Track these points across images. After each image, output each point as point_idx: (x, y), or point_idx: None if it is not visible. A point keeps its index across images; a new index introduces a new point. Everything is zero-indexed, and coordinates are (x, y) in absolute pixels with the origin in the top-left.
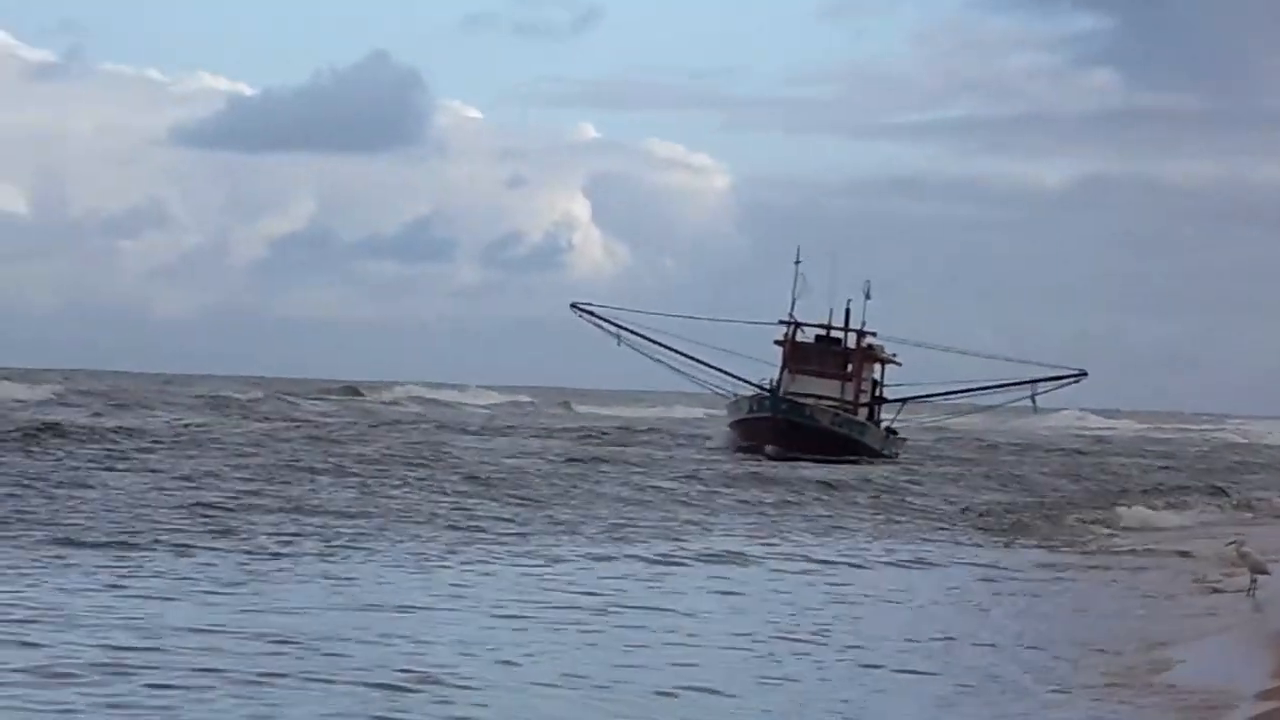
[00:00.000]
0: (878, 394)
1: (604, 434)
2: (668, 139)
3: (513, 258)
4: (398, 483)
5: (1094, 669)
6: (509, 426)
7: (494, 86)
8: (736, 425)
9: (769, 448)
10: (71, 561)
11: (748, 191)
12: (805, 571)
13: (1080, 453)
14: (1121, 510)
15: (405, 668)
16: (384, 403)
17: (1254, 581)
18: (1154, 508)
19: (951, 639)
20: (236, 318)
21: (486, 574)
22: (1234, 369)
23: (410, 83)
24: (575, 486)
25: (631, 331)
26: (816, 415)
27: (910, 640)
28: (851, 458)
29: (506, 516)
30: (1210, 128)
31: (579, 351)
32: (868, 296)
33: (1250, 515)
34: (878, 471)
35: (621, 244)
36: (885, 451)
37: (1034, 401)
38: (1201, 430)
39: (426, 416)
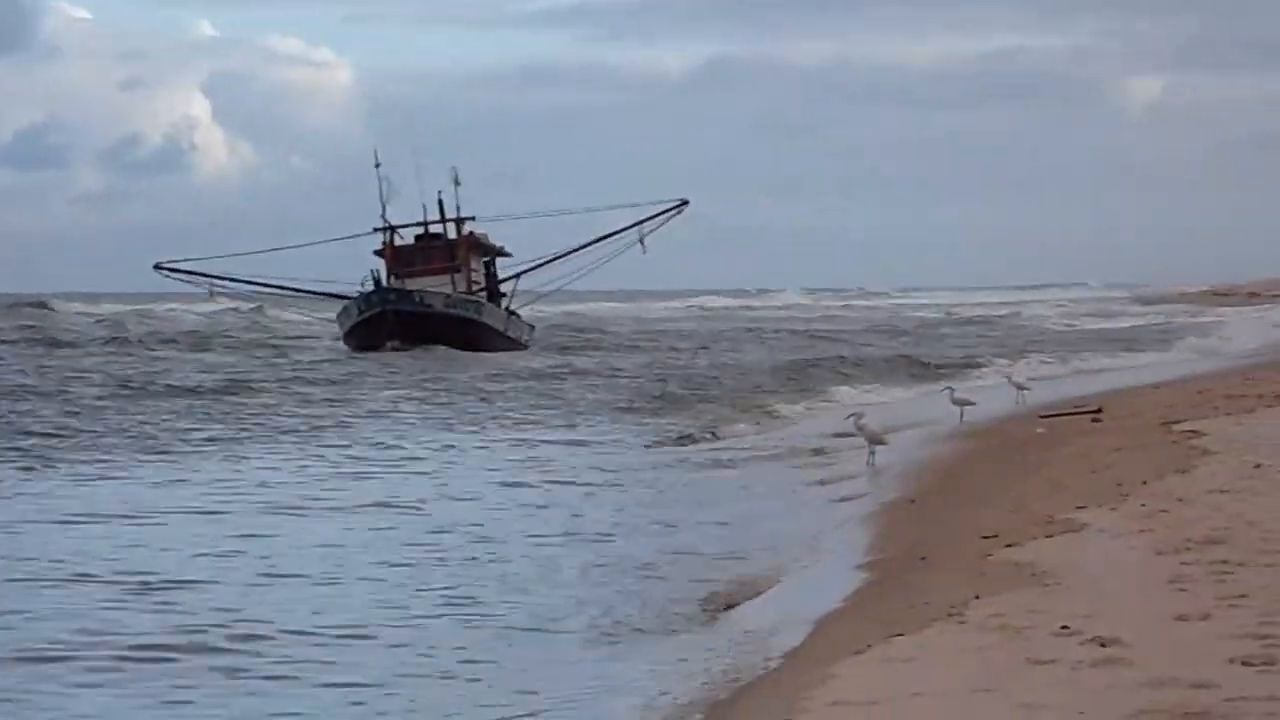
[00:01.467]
0: (493, 286)
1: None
2: (288, 34)
3: (133, 161)
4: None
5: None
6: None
7: None
8: (351, 332)
9: (388, 344)
10: None
11: (372, 86)
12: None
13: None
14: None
15: None
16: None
17: (872, 452)
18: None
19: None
20: None
21: None
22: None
23: None
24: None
25: (223, 278)
26: (428, 300)
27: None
28: (475, 345)
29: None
30: (827, 6)
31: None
32: (456, 184)
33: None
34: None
35: (245, 143)
36: (511, 334)
37: (643, 244)
38: (869, 305)
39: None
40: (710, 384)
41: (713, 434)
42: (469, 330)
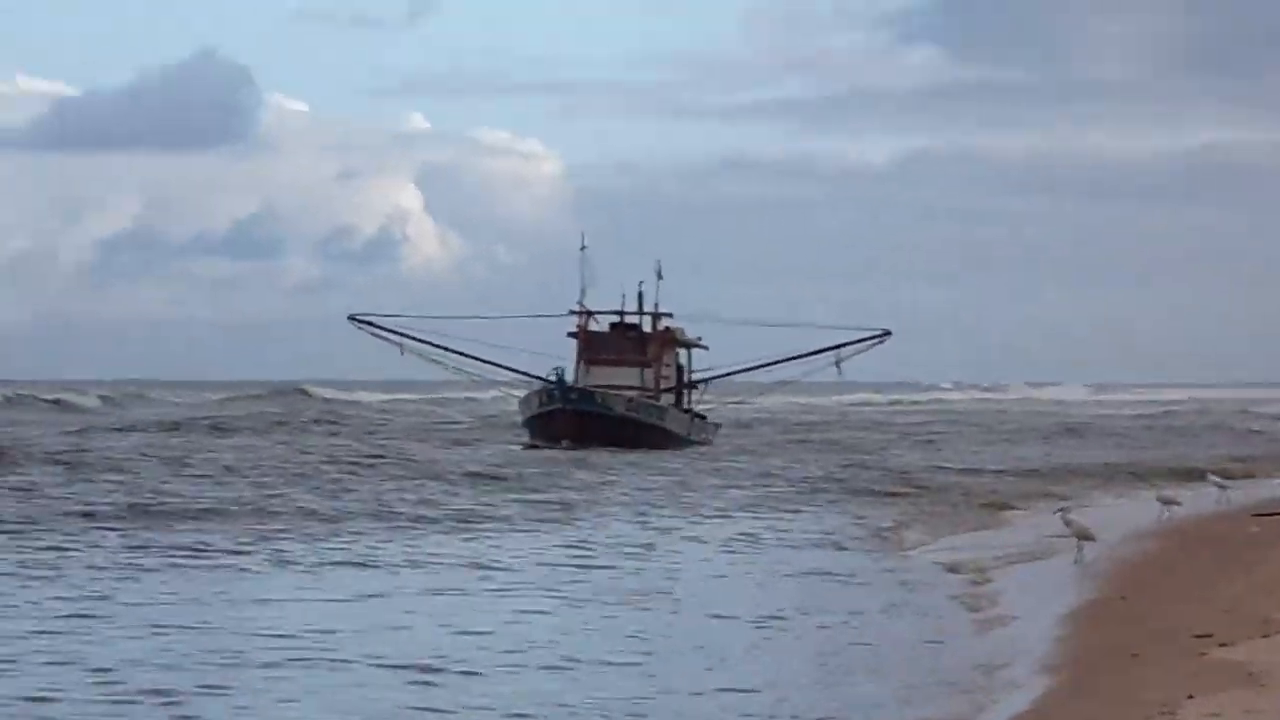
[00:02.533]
0: (684, 379)
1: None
2: (497, 127)
3: (346, 251)
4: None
5: None
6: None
7: (324, 80)
8: (530, 423)
9: (564, 442)
10: None
11: (578, 177)
12: None
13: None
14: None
15: None
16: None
17: (1080, 548)
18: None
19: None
20: (67, 322)
21: None
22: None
23: (238, 79)
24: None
25: (414, 339)
26: (609, 402)
27: None
28: (654, 448)
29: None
30: (1029, 100)
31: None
32: (659, 276)
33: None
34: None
35: (454, 233)
36: (693, 438)
37: (839, 368)
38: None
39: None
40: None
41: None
42: (649, 435)
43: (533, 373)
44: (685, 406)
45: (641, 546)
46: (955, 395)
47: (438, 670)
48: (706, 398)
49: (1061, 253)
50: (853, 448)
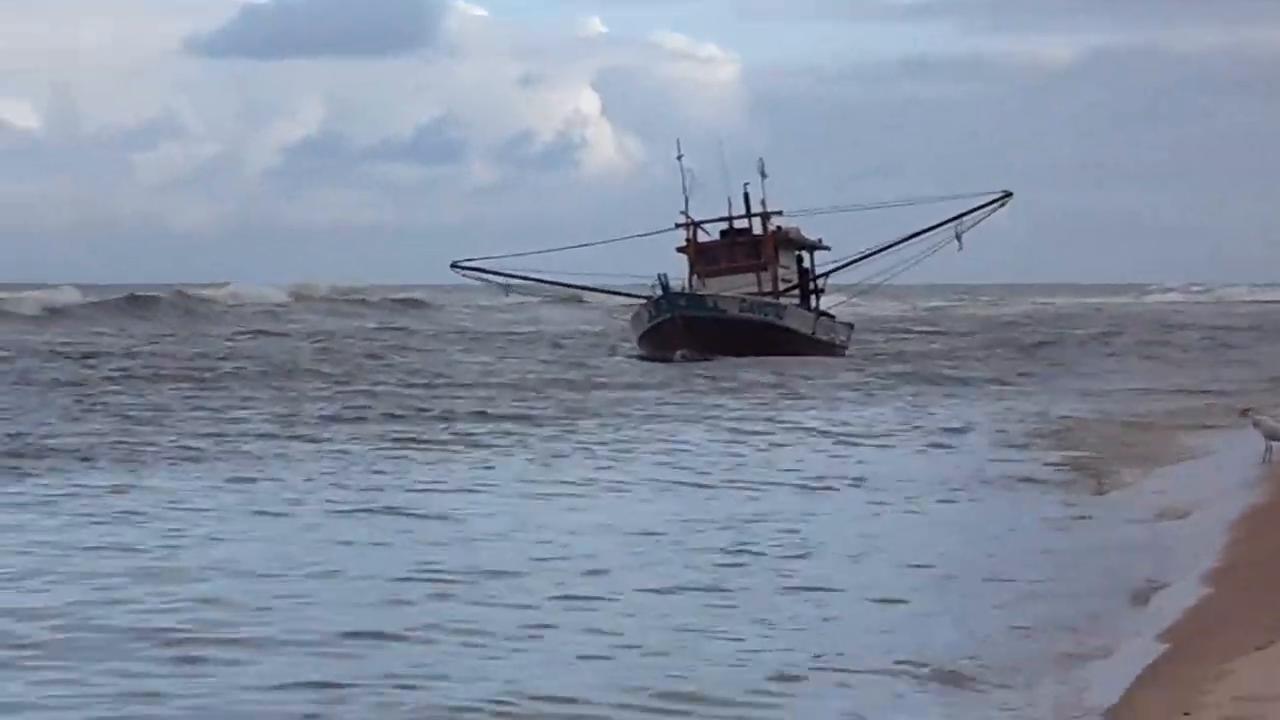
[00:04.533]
0: (806, 283)
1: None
2: (675, 30)
3: (525, 156)
4: None
5: None
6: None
7: None
8: (643, 339)
9: (679, 352)
10: None
11: (756, 80)
12: None
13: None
14: None
15: None
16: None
17: (1268, 449)
18: None
19: None
20: (252, 226)
21: None
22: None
23: None
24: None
25: (518, 276)
26: (721, 304)
27: None
28: (777, 351)
29: None
30: None
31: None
32: (763, 175)
33: None
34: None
35: (632, 138)
36: (820, 337)
37: (959, 241)
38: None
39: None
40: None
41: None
42: (769, 335)
43: (639, 293)
44: (808, 306)
45: None
46: (1173, 296)
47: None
48: (835, 300)
49: (1256, 151)
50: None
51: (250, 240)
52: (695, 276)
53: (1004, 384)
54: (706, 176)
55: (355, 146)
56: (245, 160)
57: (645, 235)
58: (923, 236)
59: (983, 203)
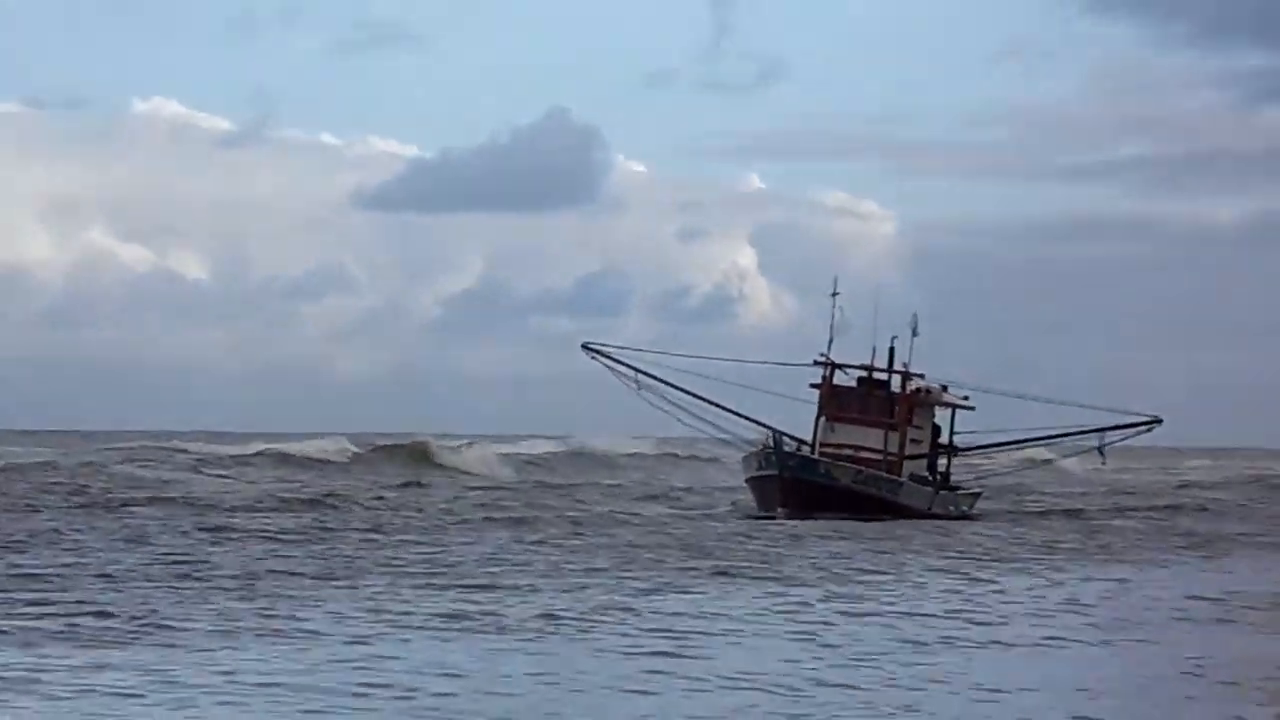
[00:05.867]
0: (937, 444)
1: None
2: (835, 187)
3: (684, 309)
4: None
5: None
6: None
7: (665, 141)
8: (750, 484)
9: (779, 510)
10: None
11: (915, 237)
12: None
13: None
14: None
15: None
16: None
17: None
18: None
19: None
20: (415, 376)
21: None
22: None
23: (587, 139)
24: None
25: (651, 376)
26: (834, 472)
27: None
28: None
29: None
30: None
31: (759, 398)
32: (914, 333)
33: None
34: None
35: (788, 292)
36: (936, 510)
37: (1102, 453)
38: None
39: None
40: None
41: None
42: (879, 509)
43: (766, 422)
44: (935, 474)
45: None
46: None
47: None
48: (969, 463)
49: None
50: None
51: (410, 389)
52: (824, 418)
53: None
54: (858, 323)
55: (515, 298)
56: (407, 311)
57: (782, 365)
58: (1066, 439)
59: (1130, 422)
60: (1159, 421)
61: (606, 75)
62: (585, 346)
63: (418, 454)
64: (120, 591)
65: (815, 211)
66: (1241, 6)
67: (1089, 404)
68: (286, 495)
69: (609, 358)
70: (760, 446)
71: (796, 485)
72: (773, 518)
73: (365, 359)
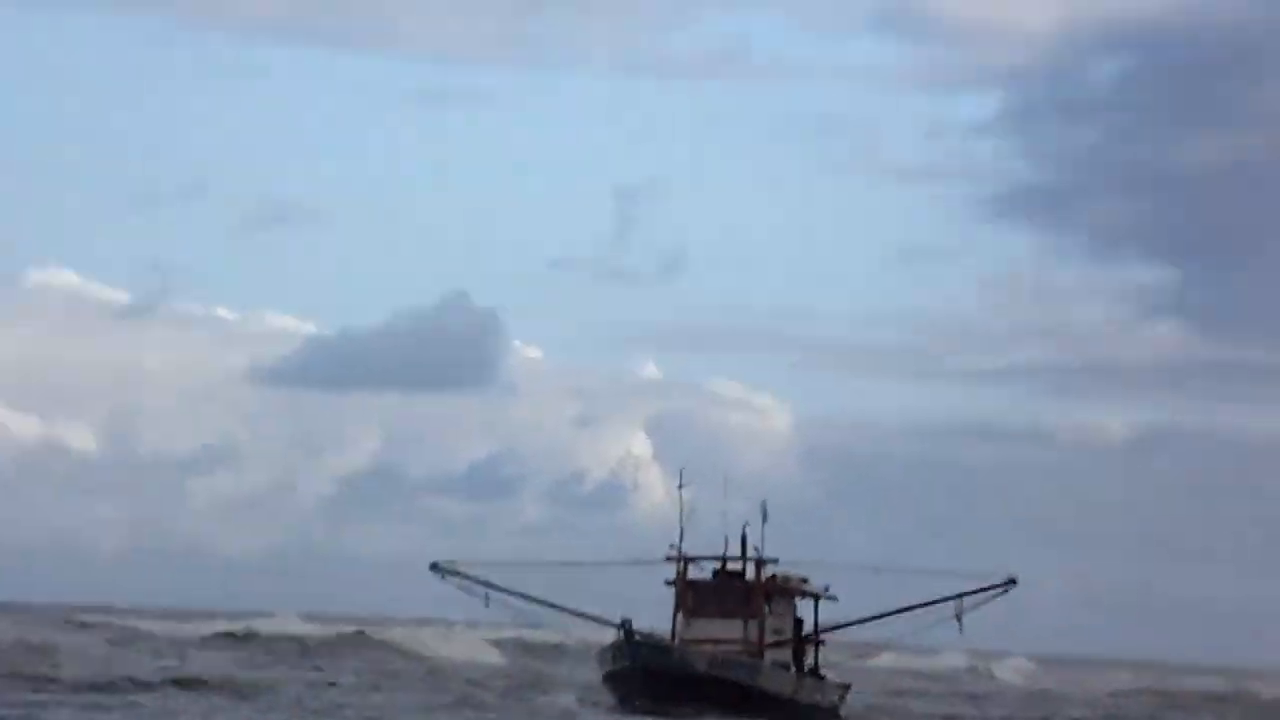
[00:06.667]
0: (800, 637)
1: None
2: (730, 378)
3: (577, 496)
4: None
5: None
6: None
7: (567, 330)
8: (607, 680)
9: (636, 702)
10: None
11: (810, 432)
12: None
13: None
14: None
15: None
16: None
17: None
18: None
19: None
20: (301, 555)
21: None
22: None
23: (486, 323)
24: None
25: (499, 588)
26: (689, 659)
27: None
28: (750, 713)
29: None
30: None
31: (633, 595)
32: (764, 518)
33: None
34: None
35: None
36: (802, 699)
37: (960, 621)
38: None
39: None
40: None
41: None
42: (739, 696)
43: (603, 617)
44: (801, 666)
45: None
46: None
47: None
48: (833, 657)
49: None
50: None
51: (297, 569)
52: (680, 614)
53: None
54: (736, 518)
55: (408, 478)
56: (298, 489)
57: (634, 564)
58: (920, 611)
59: (985, 586)
60: (1014, 583)
61: (508, 261)
62: (433, 567)
63: None
64: None
65: (710, 402)
66: (1136, 221)
67: (944, 570)
68: None
69: (458, 574)
70: (614, 641)
71: (650, 675)
72: (634, 711)
73: (253, 537)
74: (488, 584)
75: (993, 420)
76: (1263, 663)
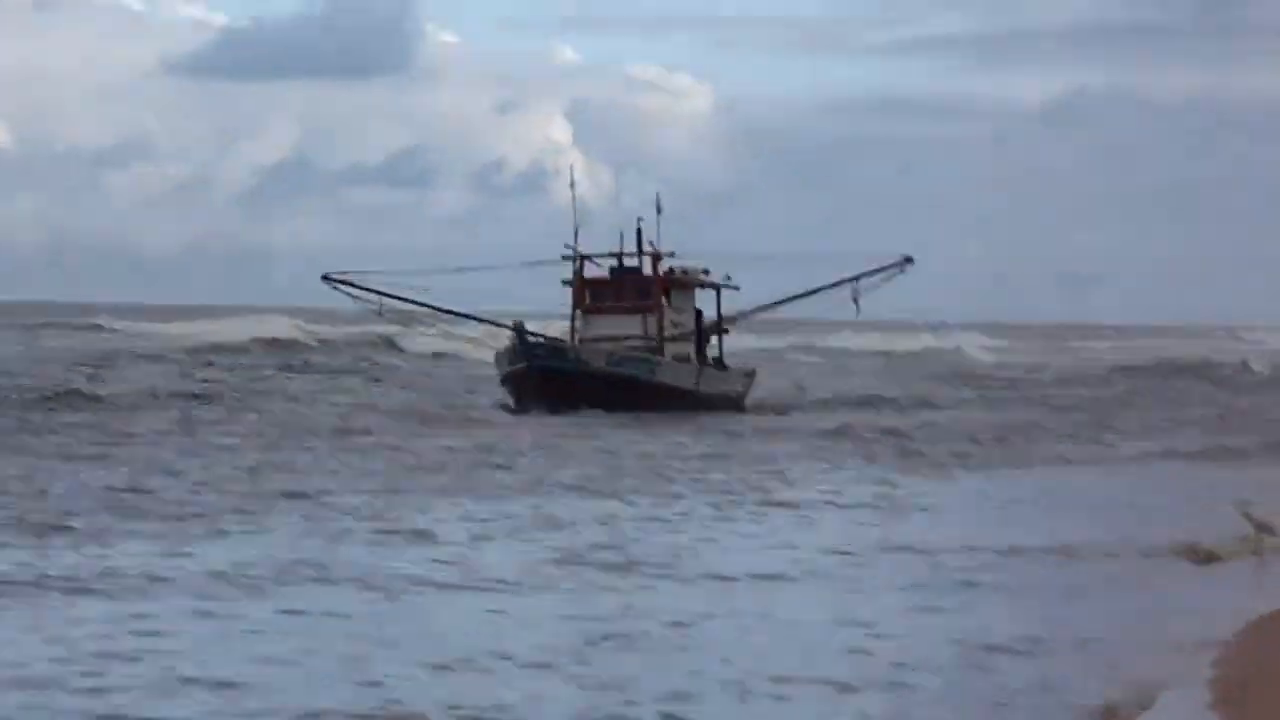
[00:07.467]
0: (703, 327)
1: None
2: (649, 61)
3: (497, 185)
4: None
5: None
6: None
7: (482, 13)
8: (504, 382)
9: (533, 407)
10: None
11: (729, 113)
12: None
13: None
14: None
15: None
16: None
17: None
18: None
19: None
20: (220, 247)
21: None
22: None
23: (400, 9)
24: None
25: (393, 295)
26: (585, 356)
27: None
28: (651, 408)
29: None
30: (1192, 40)
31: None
32: (659, 211)
33: None
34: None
35: (604, 168)
36: (704, 390)
37: (857, 304)
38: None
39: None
40: None
41: None
42: (638, 392)
43: (501, 321)
44: (704, 358)
45: None
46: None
47: None
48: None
49: (1223, 193)
50: None
51: (216, 261)
52: (579, 312)
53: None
54: (640, 211)
55: (327, 169)
56: (216, 182)
57: (530, 265)
58: (818, 296)
59: (881, 266)
60: (910, 261)
61: None
62: (325, 278)
63: None
64: None
65: (631, 86)
66: None
67: (845, 251)
68: None
69: (351, 285)
70: (509, 343)
71: (546, 376)
72: (526, 413)
73: (170, 231)
74: (380, 292)
75: (911, 95)
76: (1176, 319)
